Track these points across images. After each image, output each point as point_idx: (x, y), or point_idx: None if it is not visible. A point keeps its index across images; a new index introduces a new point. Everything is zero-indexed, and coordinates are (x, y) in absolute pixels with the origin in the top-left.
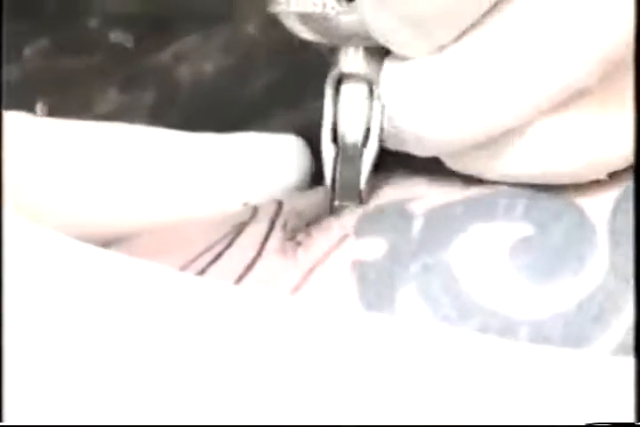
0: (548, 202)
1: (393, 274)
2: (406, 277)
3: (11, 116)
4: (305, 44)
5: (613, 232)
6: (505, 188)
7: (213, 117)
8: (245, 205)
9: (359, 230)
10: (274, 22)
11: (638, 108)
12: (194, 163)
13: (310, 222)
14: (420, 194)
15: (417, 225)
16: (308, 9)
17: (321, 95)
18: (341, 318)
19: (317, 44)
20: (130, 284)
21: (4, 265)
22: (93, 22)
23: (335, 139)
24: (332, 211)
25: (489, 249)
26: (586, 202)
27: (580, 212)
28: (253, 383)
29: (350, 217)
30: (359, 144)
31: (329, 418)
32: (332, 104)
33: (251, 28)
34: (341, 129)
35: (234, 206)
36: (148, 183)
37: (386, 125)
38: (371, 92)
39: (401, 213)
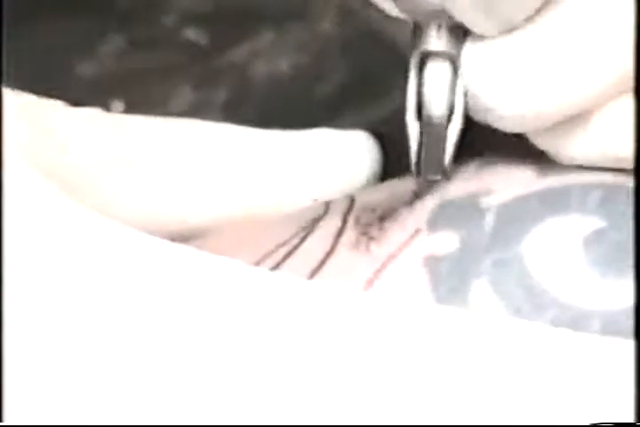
0: (619, 195)
1: (465, 268)
2: (479, 271)
3: (85, 112)
4: (378, 41)
5: None
6: (577, 180)
7: (287, 114)
8: (316, 201)
9: (432, 225)
10: (348, 19)
11: (638, 107)
12: (266, 159)
13: (383, 217)
14: (491, 187)
15: (490, 219)
16: None
17: (393, 91)
18: (415, 313)
19: (393, 37)
20: (203, 278)
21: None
22: (168, 20)
23: (419, 117)
24: (420, 191)
25: (562, 242)
26: None
27: None
28: (329, 377)
29: (423, 211)
30: (444, 120)
31: (411, 413)
32: (416, 82)
33: (325, 25)
34: (426, 106)
35: (306, 203)
36: (220, 179)
37: (469, 102)
38: (454, 69)
39: (474, 207)
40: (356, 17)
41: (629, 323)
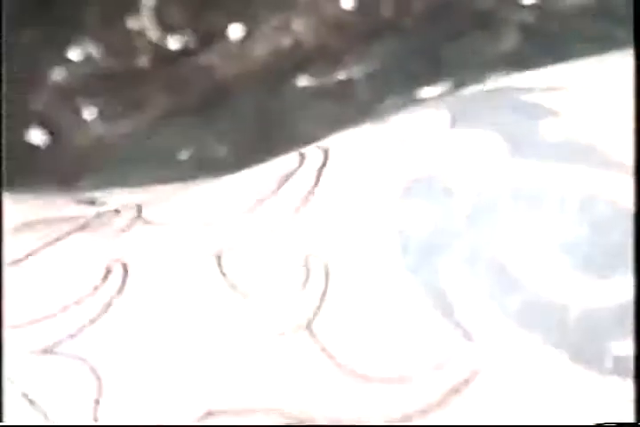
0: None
1: (438, 242)
2: (452, 247)
3: None
4: None
5: None
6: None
7: (262, 115)
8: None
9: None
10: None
11: (638, 107)
12: None
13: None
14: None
15: (460, 201)
16: None
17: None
18: None
19: None
20: None
21: None
22: (136, 24)
23: None
24: None
25: (540, 241)
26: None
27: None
28: None
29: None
30: None
31: None
32: None
33: (299, 23)
34: None
35: None
36: None
37: None
38: None
39: (445, 188)
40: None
41: (607, 322)
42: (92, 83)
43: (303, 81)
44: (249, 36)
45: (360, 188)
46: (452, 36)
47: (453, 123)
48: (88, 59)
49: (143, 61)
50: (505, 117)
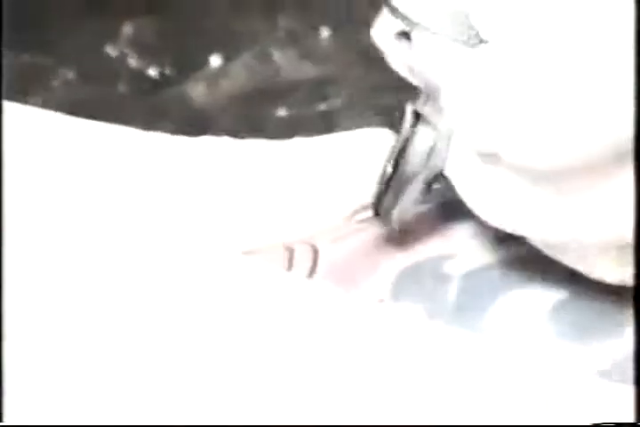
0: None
1: None
2: None
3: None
4: None
5: None
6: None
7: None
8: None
9: (395, 296)
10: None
11: (639, 107)
12: (300, 168)
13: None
14: (457, 250)
15: (453, 290)
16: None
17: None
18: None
19: None
20: None
21: None
22: (114, 51)
23: (396, 163)
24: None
25: (526, 314)
26: None
27: None
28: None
29: (385, 281)
30: (415, 174)
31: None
32: (406, 132)
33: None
34: (406, 158)
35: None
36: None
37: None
38: (436, 137)
39: (437, 276)
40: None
41: (608, 386)
42: (71, 109)
43: (282, 111)
44: (228, 65)
45: None
46: None
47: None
48: (67, 85)
49: (122, 88)
50: None
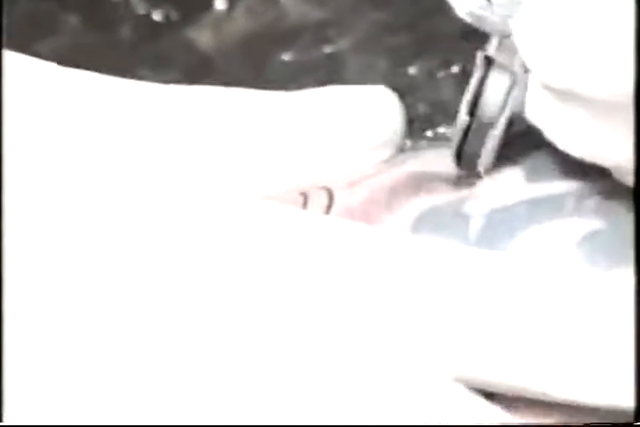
0: (620, 199)
1: None
2: None
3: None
4: None
5: None
6: (569, 187)
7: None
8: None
9: (415, 232)
10: None
11: (638, 108)
12: (290, 120)
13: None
14: (478, 192)
15: (475, 226)
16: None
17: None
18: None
19: None
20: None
21: None
22: None
23: (472, 111)
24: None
25: (553, 244)
26: None
27: None
28: None
29: (406, 218)
30: (493, 121)
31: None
32: (479, 79)
33: None
34: (481, 105)
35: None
36: (252, 145)
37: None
38: (513, 82)
39: (457, 213)
40: None
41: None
42: (77, 56)
43: (288, 55)
44: (233, 9)
45: None
46: (438, 9)
47: None
48: (72, 32)
49: (127, 33)
50: None
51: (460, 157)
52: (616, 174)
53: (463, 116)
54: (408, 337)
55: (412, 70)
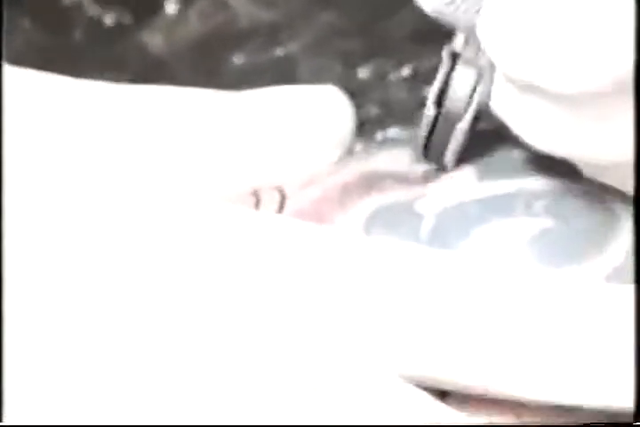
0: (570, 199)
1: None
2: None
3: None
4: None
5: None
6: (520, 186)
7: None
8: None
9: (368, 230)
10: None
11: (638, 109)
12: (242, 120)
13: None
14: (428, 191)
15: (427, 224)
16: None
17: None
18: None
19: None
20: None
21: None
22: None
23: (439, 104)
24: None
25: (504, 242)
26: (609, 198)
27: (603, 204)
28: None
29: (358, 217)
30: (460, 115)
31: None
32: (445, 73)
33: None
34: (449, 97)
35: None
36: (206, 145)
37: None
38: (479, 76)
39: (409, 212)
40: None
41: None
42: (27, 59)
43: (240, 58)
44: (184, 12)
45: None
46: (389, 12)
47: None
48: (23, 33)
49: (79, 37)
50: None
51: (427, 150)
52: (585, 170)
53: (430, 110)
54: (357, 336)
55: (362, 73)
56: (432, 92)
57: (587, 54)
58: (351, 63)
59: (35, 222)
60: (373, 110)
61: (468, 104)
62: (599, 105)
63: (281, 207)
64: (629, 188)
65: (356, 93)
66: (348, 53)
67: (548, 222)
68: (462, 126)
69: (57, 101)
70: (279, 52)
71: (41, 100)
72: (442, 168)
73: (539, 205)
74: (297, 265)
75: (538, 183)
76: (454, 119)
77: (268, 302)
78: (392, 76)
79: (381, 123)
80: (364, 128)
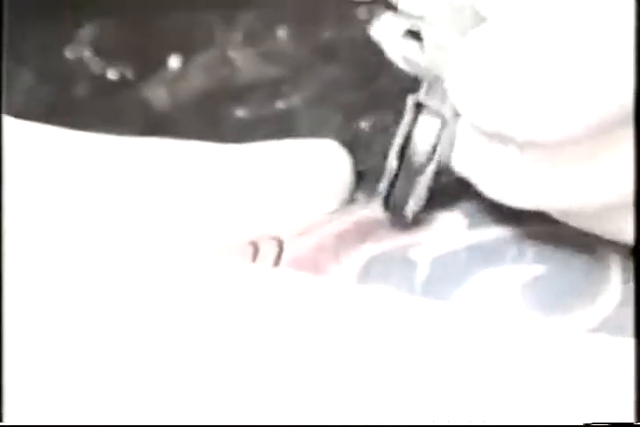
0: (559, 244)
1: None
2: None
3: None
4: None
5: (625, 269)
6: (513, 231)
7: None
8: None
9: (362, 279)
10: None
11: (638, 110)
12: (240, 173)
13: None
14: (421, 239)
15: (421, 274)
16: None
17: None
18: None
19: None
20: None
21: None
22: (74, 54)
23: (401, 155)
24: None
25: (496, 290)
26: (600, 245)
27: (593, 252)
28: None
29: (352, 267)
30: (423, 165)
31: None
32: (408, 125)
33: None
34: (412, 148)
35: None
36: (208, 198)
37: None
38: (443, 125)
39: (404, 260)
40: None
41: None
42: (30, 113)
43: (242, 111)
44: (187, 66)
45: None
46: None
47: None
48: (26, 87)
49: (82, 91)
50: None
51: (387, 202)
52: (558, 216)
53: (392, 162)
54: (350, 388)
55: (362, 125)
56: (395, 143)
57: (558, 102)
58: (351, 116)
59: (37, 276)
60: (374, 161)
61: (431, 156)
62: (574, 147)
63: (279, 256)
64: (603, 231)
65: (356, 146)
66: (348, 106)
67: (539, 269)
68: (424, 179)
69: (59, 154)
70: (281, 104)
71: (43, 152)
72: (402, 220)
73: (528, 252)
74: (292, 319)
75: (525, 229)
76: (416, 172)
77: (263, 356)
78: (391, 129)
79: (381, 175)
80: (366, 178)
